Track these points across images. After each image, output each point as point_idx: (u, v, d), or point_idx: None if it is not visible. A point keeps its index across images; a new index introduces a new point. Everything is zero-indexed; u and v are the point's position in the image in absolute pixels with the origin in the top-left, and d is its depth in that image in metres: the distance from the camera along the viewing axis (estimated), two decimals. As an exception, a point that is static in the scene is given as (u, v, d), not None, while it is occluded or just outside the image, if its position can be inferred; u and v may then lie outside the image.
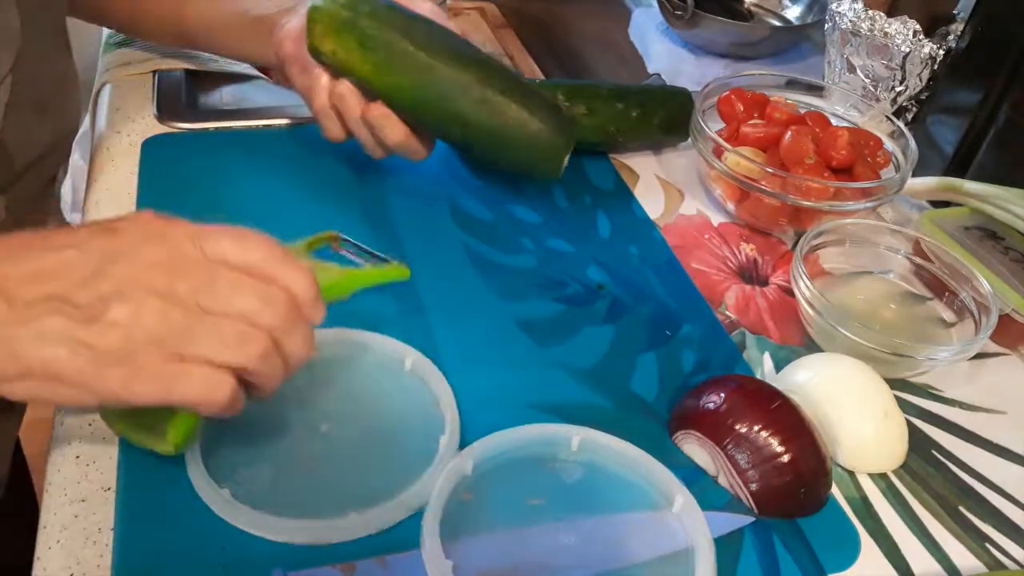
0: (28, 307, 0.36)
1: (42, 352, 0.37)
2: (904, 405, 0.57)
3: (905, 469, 0.53)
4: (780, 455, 0.48)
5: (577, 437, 0.49)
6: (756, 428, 0.48)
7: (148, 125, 0.72)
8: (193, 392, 0.38)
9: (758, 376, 0.58)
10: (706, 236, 0.70)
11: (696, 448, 0.50)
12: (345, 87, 0.60)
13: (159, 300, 0.37)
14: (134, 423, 0.45)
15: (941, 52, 0.78)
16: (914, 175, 0.71)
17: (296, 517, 0.44)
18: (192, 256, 0.39)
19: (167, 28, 0.71)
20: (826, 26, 0.86)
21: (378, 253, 0.54)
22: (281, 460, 0.47)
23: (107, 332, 0.37)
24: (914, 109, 0.83)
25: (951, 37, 0.79)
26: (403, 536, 0.44)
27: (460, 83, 0.59)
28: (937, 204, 0.74)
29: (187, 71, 0.79)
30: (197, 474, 0.45)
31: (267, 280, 0.40)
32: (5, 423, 0.62)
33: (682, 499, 0.47)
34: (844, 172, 0.69)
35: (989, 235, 0.68)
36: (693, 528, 0.46)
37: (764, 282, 0.66)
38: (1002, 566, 0.49)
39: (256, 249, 0.40)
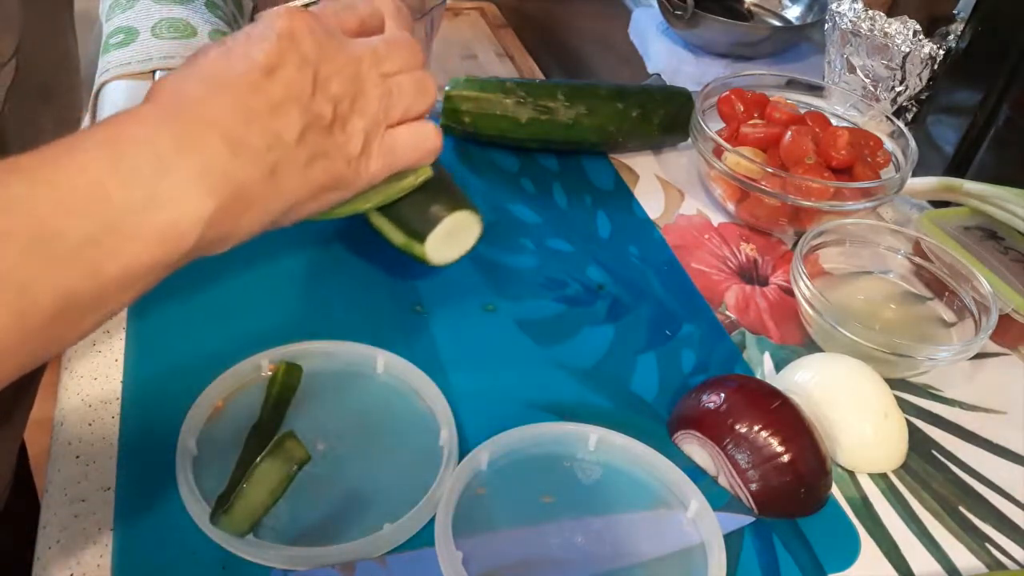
0: (300, 144, 0.38)
1: (321, 172, 0.39)
2: (904, 405, 0.57)
3: (905, 469, 0.53)
4: (780, 455, 0.48)
5: (594, 436, 0.49)
6: (756, 428, 0.48)
7: (148, 125, 0.72)
8: (413, 153, 0.43)
9: (758, 376, 0.58)
10: (706, 236, 0.70)
11: (696, 448, 0.50)
12: None
13: (364, 84, 0.40)
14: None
15: (941, 52, 0.78)
16: (914, 175, 0.71)
17: (329, 543, 0.42)
18: (338, 39, 0.40)
19: None
20: (826, 26, 0.86)
21: None
22: (292, 490, 0.44)
23: (352, 133, 0.40)
24: (914, 109, 0.83)
25: (951, 37, 0.79)
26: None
27: None
28: (937, 204, 0.74)
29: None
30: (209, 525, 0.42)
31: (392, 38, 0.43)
32: (9, 430, 0.62)
33: (697, 504, 0.47)
34: (844, 172, 0.69)
35: (989, 235, 0.68)
36: (705, 528, 0.46)
37: (764, 282, 0.66)
38: (1002, 566, 0.49)
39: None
